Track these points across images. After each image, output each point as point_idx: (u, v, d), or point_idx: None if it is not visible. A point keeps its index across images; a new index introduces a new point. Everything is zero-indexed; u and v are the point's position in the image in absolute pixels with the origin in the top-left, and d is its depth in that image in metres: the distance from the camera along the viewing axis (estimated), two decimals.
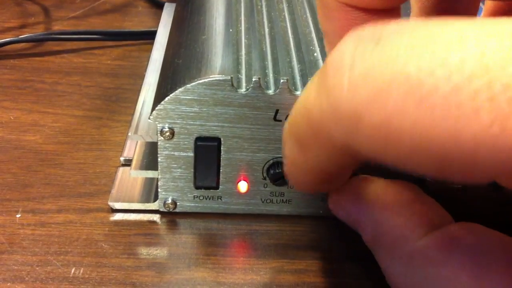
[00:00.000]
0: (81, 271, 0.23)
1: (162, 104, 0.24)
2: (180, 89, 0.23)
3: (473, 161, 0.13)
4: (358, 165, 0.18)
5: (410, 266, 0.20)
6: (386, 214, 0.21)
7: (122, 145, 0.30)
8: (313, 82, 0.16)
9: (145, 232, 0.26)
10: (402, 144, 0.14)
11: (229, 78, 0.23)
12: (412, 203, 0.21)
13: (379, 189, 0.21)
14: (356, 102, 0.14)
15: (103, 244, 0.25)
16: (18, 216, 0.26)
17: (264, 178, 0.26)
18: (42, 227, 0.25)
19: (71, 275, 0.23)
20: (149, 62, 0.32)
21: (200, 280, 0.23)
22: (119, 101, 0.35)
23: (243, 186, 0.26)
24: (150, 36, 0.42)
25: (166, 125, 0.24)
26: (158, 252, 0.25)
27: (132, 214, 0.27)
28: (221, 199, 0.26)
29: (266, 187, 0.26)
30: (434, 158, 0.14)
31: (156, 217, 0.27)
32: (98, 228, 0.26)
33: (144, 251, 0.25)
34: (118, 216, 0.26)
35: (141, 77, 0.31)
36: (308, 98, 0.16)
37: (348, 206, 0.22)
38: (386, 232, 0.21)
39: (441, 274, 0.19)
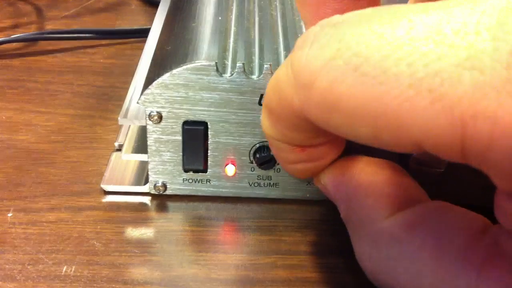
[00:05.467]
0: (73, 269, 0.23)
1: (150, 89, 0.24)
2: (166, 74, 0.24)
3: (397, 124, 0.15)
4: (317, 139, 0.20)
5: (375, 245, 0.20)
6: (357, 194, 0.21)
7: (114, 143, 0.30)
8: (285, 60, 0.19)
9: (137, 230, 0.26)
10: (341, 109, 0.16)
11: (214, 63, 0.24)
12: (384, 184, 0.21)
13: (356, 168, 0.22)
14: (311, 70, 0.17)
15: (94, 242, 0.25)
16: (9, 215, 0.26)
17: (251, 162, 0.26)
18: (34, 226, 0.25)
19: (62, 273, 0.23)
20: (144, 50, 0.32)
21: (193, 277, 0.23)
22: (111, 99, 0.35)
23: (230, 170, 0.26)
24: (143, 34, 0.42)
25: (154, 110, 0.25)
26: (150, 250, 0.25)
27: (124, 197, 0.27)
28: (209, 182, 0.27)
29: (253, 171, 0.27)
30: (367, 122, 0.16)
31: (147, 200, 0.27)
32: (89, 226, 0.26)
33: (136, 249, 0.24)
34: (110, 214, 0.26)
35: (134, 74, 0.31)
36: (279, 72, 0.19)
37: (327, 182, 0.22)
38: (355, 211, 0.21)
39: (404, 253, 0.19)
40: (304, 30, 0.28)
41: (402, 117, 0.15)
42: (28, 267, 0.23)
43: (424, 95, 0.14)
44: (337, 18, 0.17)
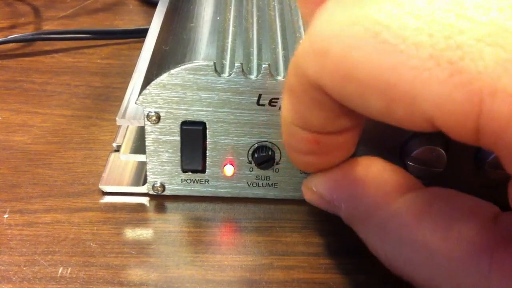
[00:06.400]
0: (69, 270, 0.23)
1: (148, 89, 0.24)
2: (164, 74, 0.24)
3: (411, 96, 0.15)
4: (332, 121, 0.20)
5: (385, 231, 0.20)
6: (357, 188, 0.21)
7: (111, 144, 0.30)
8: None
9: (134, 231, 0.25)
10: (356, 77, 0.16)
11: (212, 63, 0.24)
12: (380, 173, 0.21)
13: (348, 165, 0.22)
14: (328, 35, 0.16)
15: (91, 244, 0.25)
16: (5, 216, 0.26)
17: (250, 162, 0.26)
18: (30, 227, 0.25)
19: (58, 275, 0.23)
20: (142, 50, 0.32)
21: (189, 278, 0.23)
22: (108, 100, 0.35)
23: (229, 170, 0.26)
24: (140, 34, 0.42)
25: (152, 110, 0.25)
26: (147, 251, 0.24)
27: (120, 198, 0.27)
28: (208, 183, 0.27)
29: (252, 171, 0.26)
30: (380, 93, 0.15)
31: (145, 201, 0.27)
32: (86, 227, 0.25)
33: (132, 250, 0.24)
34: (106, 215, 0.26)
35: (131, 75, 0.31)
36: (299, 47, 0.18)
37: (319, 188, 0.22)
38: (359, 204, 0.21)
39: (414, 238, 0.19)
40: (302, 30, 0.27)
41: (418, 89, 0.14)
42: (24, 268, 0.23)
43: (443, 67, 0.14)
44: None
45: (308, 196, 0.23)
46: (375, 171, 0.21)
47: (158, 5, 0.38)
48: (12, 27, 0.43)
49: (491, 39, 0.14)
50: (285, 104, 0.20)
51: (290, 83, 0.19)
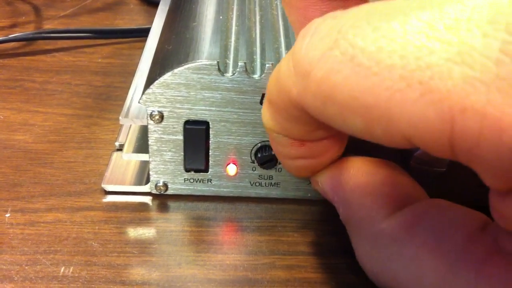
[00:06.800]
0: (71, 270, 0.23)
1: (151, 88, 0.24)
2: (168, 74, 0.24)
3: (388, 117, 0.15)
4: (314, 134, 0.20)
5: (375, 245, 0.20)
6: (355, 195, 0.21)
7: (112, 143, 0.30)
8: (288, 52, 0.19)
9: (136, 230, 0.25)
10: (336, 100, 0.16)
11: (216, 62, 0.24)
12: (382, 184, 0.21)
13: (353, 168, 0.22)
14: (309, 59, 0.17)
15: (93, 243, 0.25)
16: (7, 215, 0.26)
17: (253, 162, 0.26)
18: (32, 226, 0.25)
19: (60, 274, 0.23)
20: (144, 49, 0.32)
21: (191, 278, 0.23)
22: (109, 99, 0.35)
23: (232, 169, 0.26)
24: (141, 33, 0.42)
25: (156, 109, 0.25)
26: (149, 250, 0.24)
27: (122, 197, 0.27)
28: (211, 182, 0.27)
29: (255, 170, 0.27)
30: (359, 114, 0.16)
31: (148, 200, 0.27)
32: (88, 226, 0.25)
33: (134, 250, 0.24)
34: (108, 214, 0.26)
35: (132, 74, 0.31)
36: (280, 63, 0.19)
37: (323, 185, 0.22)
38: (354, 212, 0.21)
39: (404, 253, 0.19)
40: None
41: (393, 109, 0.15)
42: (26, 267, 0.23)
43: (414, 87, 0.14)
44: (339, 11, 0.17)
45: (315, 187, 0.24)
46: (377, 180, 0.21)
47: (160, 4, 0.38)
48: (13, 26, 0.43)
49: (459, 58, 0.14)
50: (265, 112, 0.21)
51: (271, 96, 0.20)
